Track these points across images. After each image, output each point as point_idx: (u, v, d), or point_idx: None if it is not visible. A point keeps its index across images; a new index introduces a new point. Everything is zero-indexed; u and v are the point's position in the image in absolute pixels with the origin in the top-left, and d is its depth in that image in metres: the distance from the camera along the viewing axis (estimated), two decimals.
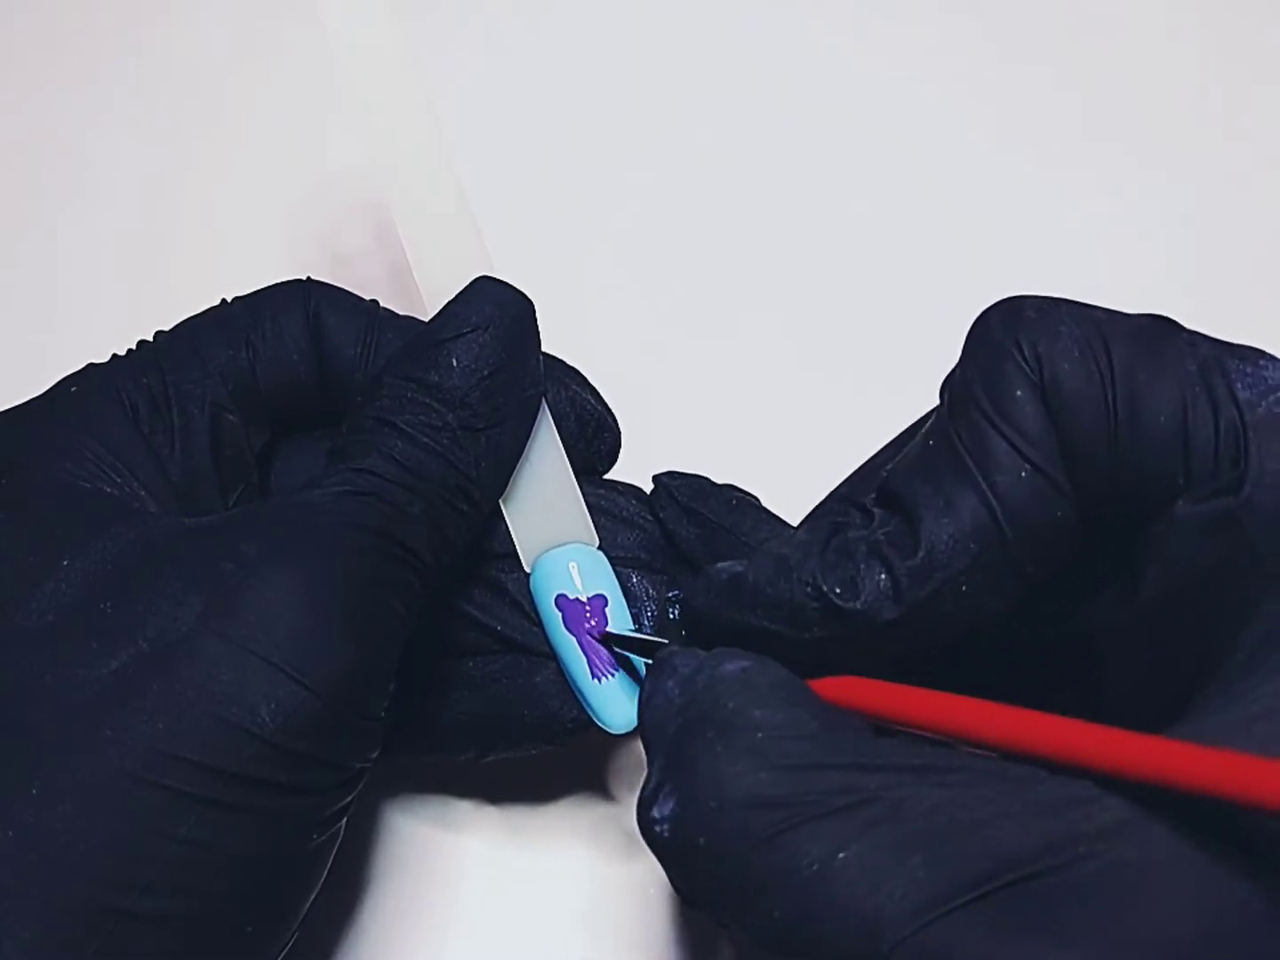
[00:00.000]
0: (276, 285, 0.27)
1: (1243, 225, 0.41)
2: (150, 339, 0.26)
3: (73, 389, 0.25)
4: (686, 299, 0.39)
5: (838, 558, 0.21)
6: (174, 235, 0.41)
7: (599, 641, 0.25)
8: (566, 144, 0.43)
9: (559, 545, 0.26)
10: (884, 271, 0.40)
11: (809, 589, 0.21)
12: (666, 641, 0.24)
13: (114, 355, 0.25)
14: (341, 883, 0.28)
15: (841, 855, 0.16)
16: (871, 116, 0.44)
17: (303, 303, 0.26)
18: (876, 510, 0.21)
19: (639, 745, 0.29)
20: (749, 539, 0.26)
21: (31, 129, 0.43)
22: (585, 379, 0.28)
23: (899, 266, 0.40)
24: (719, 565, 0.23)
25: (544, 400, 0.26)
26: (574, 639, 0.25)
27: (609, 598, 0.26)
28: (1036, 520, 0.20)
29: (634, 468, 0.29)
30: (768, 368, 0.38)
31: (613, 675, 0.25)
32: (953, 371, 0.22)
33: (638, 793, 0.19)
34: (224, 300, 0.26)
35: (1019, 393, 0.20)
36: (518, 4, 0.47)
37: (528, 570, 0.26)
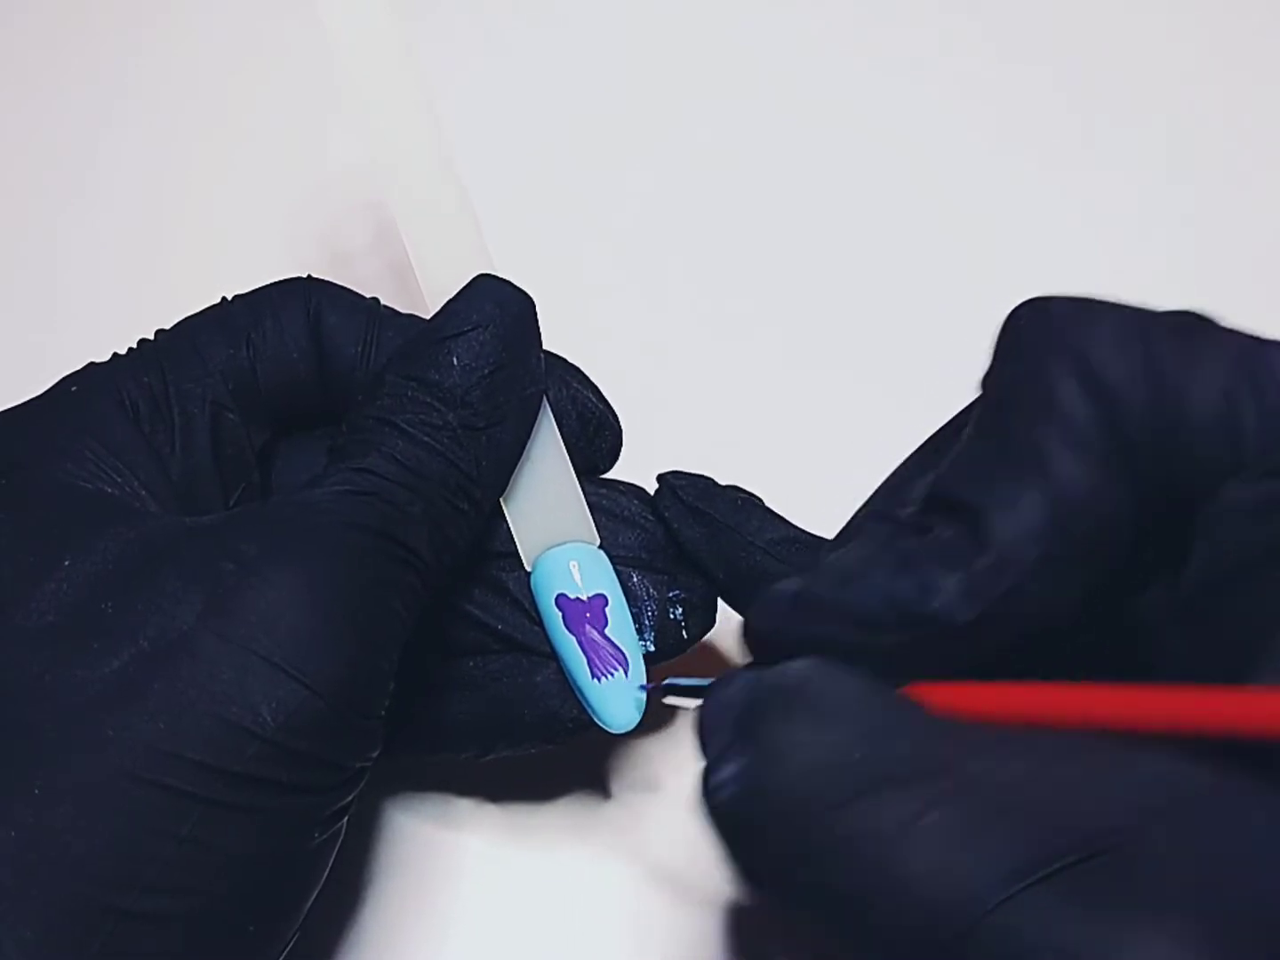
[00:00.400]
0: (276, 283, 0.27)
1: (1243, 225, 0.41)
2: (150, 338, 0.26)
3: (73, 388, 0.25)
4: (688, 297, 0.39)
5: (905, 562, 0.20)
6: (174, 234, 0.41)
7: (651, 693, 0.25)
8: (567, 142, 0.43)
9: (560, 544, 0.26)
10: (884, 270, 0.40)
11: (879, 596, 0.20)
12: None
13: (114, 354, 0.25)
14: (342, 882, 0.27)
15: (922, 821, 0.16)
16: (872, 115, 0.44)
17: (303, 301, 0.26)
18: (932, 515, 0.21)
19: (640, 744, 0.30)
20: (755, 539, 0.26)
21: (30, 128, 0.43)
22: (587, 377, 0.28)
23: (899, 265, 0.40)
24: (776, 586, 0.22)
25: (545, 399, 0.26)
26: (574, 638, 0.25)
27: (609, 597, 0.26)
28: (1097, 512, 0.20)
29: (636, 467, 0.29)
30: (769, 366, 0.37)
31: (613, 674, 0.25)
32: (989, 372, 0.22)
33: (699, 770, 0.19)
34: (224, 299, 0.26)
35: (1066, 387, 0.20)
36: (519, 3, 0.47)
37: (528, 569, 0.26)
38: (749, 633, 0.23)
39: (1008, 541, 0.20)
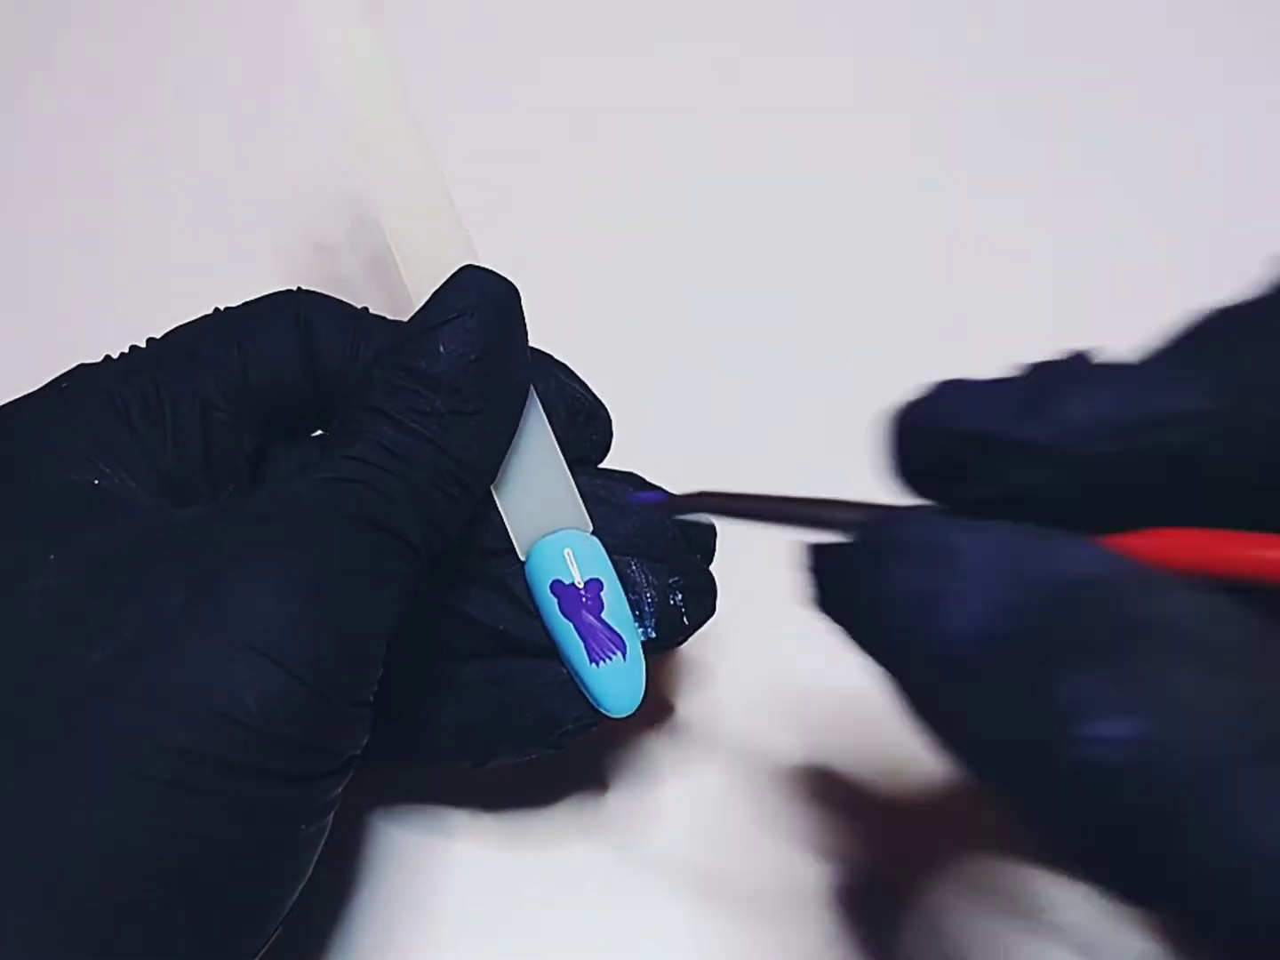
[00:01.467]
0: (267, 295, 0.27)
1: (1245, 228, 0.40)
2: (142, 345, 0.26)
3: (64, 385, 0.25)
4: (675, 290, 0.39)
5: (1131, 369, 0.17)
6: (156, 234, 0.41)
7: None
8: (551, 135, 0.43)
9: (553, 532, 0.26)
10: (881, 267, 0.40)
11: (1100, 395, 0.16)
12: (778, 497, 0.19)
13: (106, 356, 0.25)
14: (336, 890, 0.27)
15: None
16: (874, 115, 0.44)
17: (294, 309, 0.26)
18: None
19: (637, 753, 0.29)
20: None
21: (16, 132, 0.44)
22: (573, 372, 0.28)
23: (898, 264, 0.40)
24: (947, 380, 0.18)
25: (533, 388, 0.26)
26: (571, 624, 0.25)
27: (605, 582, 0.26)
28: None
29: (628, 459, 0.28)
30: (759, 358, 0.37)
31: (611, 659, 0.25)
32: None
33: (1056, 712, 0.15)
34: (216, 309, 0.27)
35: None
36: None
37: (522, 558, 0.26)
38: (895, 426, 0.18)
39: (1261, 369, 0.16)
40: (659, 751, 0.29)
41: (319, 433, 0.28)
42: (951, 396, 0.18)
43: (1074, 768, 0.15)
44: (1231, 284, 0.18)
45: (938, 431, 0.18)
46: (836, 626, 0.17)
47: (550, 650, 0.26)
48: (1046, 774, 0.15)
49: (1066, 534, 0.16)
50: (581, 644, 0.25)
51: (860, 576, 0.17)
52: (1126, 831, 0.15)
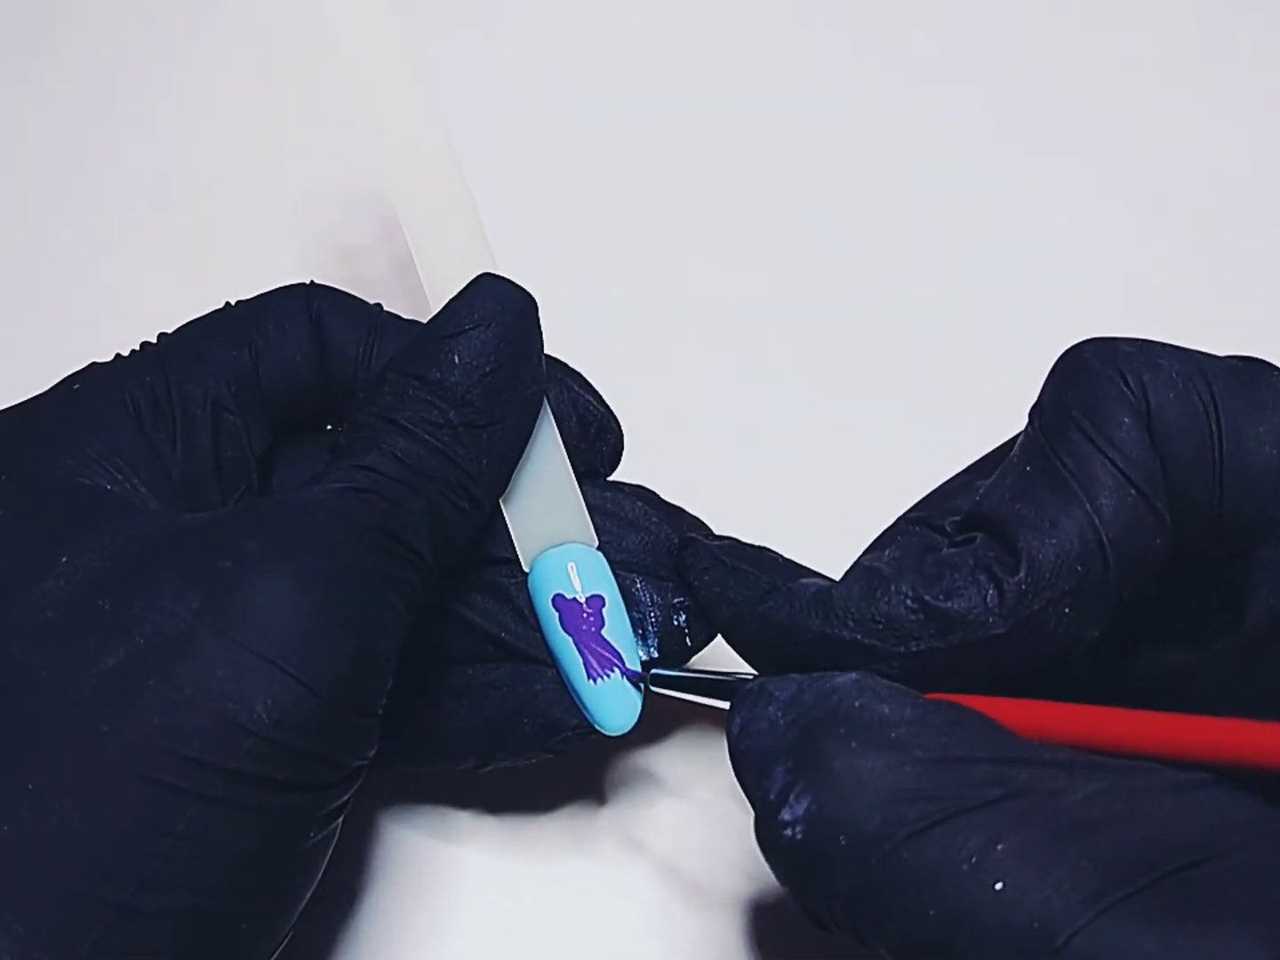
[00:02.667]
0: (280, 288, 0.27)
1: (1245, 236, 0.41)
2: (154, 341, 0.26)
3: (75, 386, 0.25)
4: (692, 300, 0.39)
5: (939, 570, 0.20)
6: (178, 232, 0.41)
7: (636, 683, 0.25)
8: (572, 142, 0.43)
9: (558, 545, 0.26)
10: (891, 274, 0.40)
11: (909, 600, 0.20)
12: (724, 677, 0.23)
13: (117, 355, 0.25)
14: (341, 892, 0.27)
15: (1000, 846, 0.16)
16: (881, 117, 0.44)
17: (305, 305, 0.26)
18: (971, 530, 0.21)
19: (640, 755, 0.30)
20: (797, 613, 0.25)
21: (33, 129, 0.43)
22: (587, 381, 0.28)
23: (905, 268, 0.40)
24: (801, 581, 0.22)
25: (545, 400, 0.26)
26: (571, 639, 0.25)
27: (607, 599, 0.26)
28: (1137, 545, 0.20)
29: (637, 471, 0.29)
30: (773, 371, 0.37)
31: (609, 676, 0.25)
32: (1040, 401, 0.22)
33: (763, 800, 0.18)
34: (227, 303, 0.26)
35: (1125, 420, 0.20)
36: (522, 3, 0.47)
37: (526, 569, 0.26)
38: (765, 627, 0.22)
39: (1044, 563, 0.20)
40: (658, 764, 0.30)
41: (326, 436, 0.28)
42: (796, 607, 0.22)
43: (774, 847, 0.18)
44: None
45: (795, 638, 0.22)
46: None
47: (551, 661, 0.26)
48: (769, 855, 0.19)
49: (846, 673, 0.20)
50: (580, 660, 0.25)
51: (730, 718, 0.21)
52: (822, 898, 0.18)
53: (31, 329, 0.38)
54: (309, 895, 0.22)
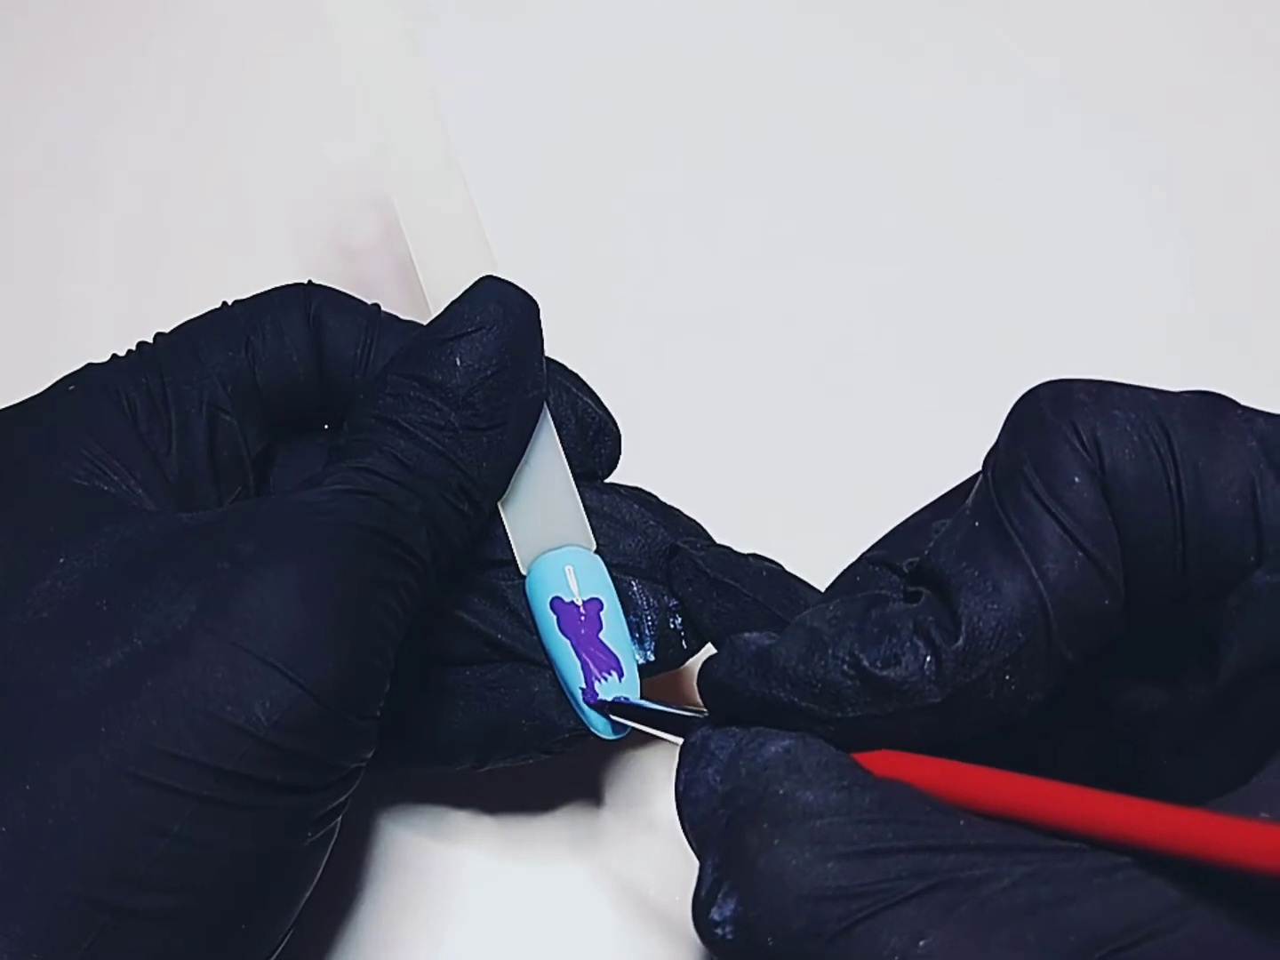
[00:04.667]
0: (277, 288, 0.27)
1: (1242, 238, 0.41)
2: (150, 341, 0.26)
3: (71, 388, 0.24)
4: (691, 304, 0.39)
5: (879, 632, 0.20)
6: (180, 233, 0.40)
7: (602, 710, 0.25)
8: (573, 145, 0.43)
9: (556, 548, 0.26)
10: (891, 276, 0.40)
11: (845, 665, 0.20)
12: (685, 713, 0.23)
13: (113, 355, 0.25)
14: (338, 892, 0.27)
15: (923, 943, 0.16)
16: (882, 119, 0.44)
17: (303, 305, 0.26)
18: (919, 589, 0.21)
19: (637, 756, 0.30)
20: (785, 615, 0.25)
21: (34, 128, 0.43)
22: (586, 384, 0.28)
23: (906, 270, 0.40)
24: (745, 636, 0.21)
25: (545, 403, 0.26)
26: (568, 642, 0.25)
27: (604, 602, 0.26)
28: (1084, 609, 0.19)
29: (635, 474, 0.29)
30: (772, 375, 0.37)
31: (606, 680, 0.25)
32: (996, 448, 0.21)
33: (692, 892, 0.18)
34: (224, 303, 0.26)
35: (1076, 479, 0.19)
36: (524, 6, 0.47)
37: (524, 572, 0.26)
38: (707, 681, 0.22)
39: (984, 630, 0.19)
40: (655, 765, 0.30)
41: (325, 427, 0.27)
42: (738, 663, 0.21)
43: (709, 942, 0.18)
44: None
45: (736, 695, 0.21)
46: None
47: (548, 664, 0.26)
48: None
49: (781, 735, 0.20)
50: (577, 663, 0.25)
51: (677, 770, 0.21)
52: None
53: (29, 329, 0.38)
54: (307, 896, 0.22)
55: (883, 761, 0.19)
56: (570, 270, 0.38)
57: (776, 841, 0.17)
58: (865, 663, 0.19)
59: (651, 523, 0.27)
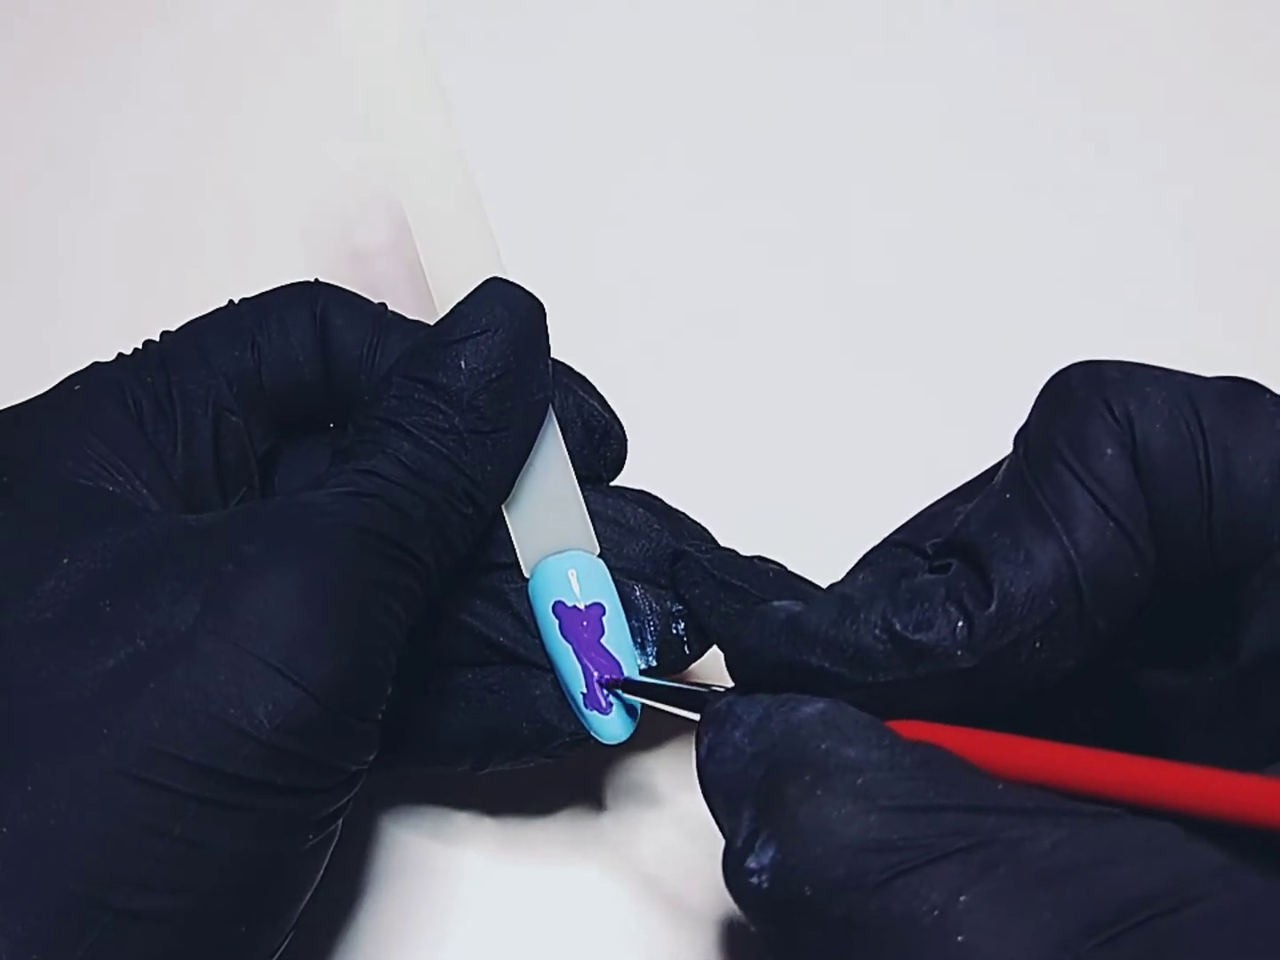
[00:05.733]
0: (283, 286, 0.27)
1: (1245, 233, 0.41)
2: (156, 340, 0.26)
3: (76, 387, 0.25)
4: (699, 307, 0.39)
5: (912, 599, 0.20)
6: (187, 233, 0.40)
7: (613, 689, 0.25)
8: (579, 147, 0.43)
9: (559, 552, 0.26)
10: (898, 279, 0.40)
11: (878, 629, 0.20)
12: (694, 687, 0.23)
13: (119, 354, 0.25)
14: (338, 894, 0.27)
15: (963, 899, 0.16)
16: (884, 123, 0.44)
17: (309, 304, 0.26)
18: (947, 557, 0.21)
19: (637, 758, 0.30)
20: None
21: (42, 129, 0.43)
22: (592, 386, 0.28)
23: (912, 273, 0.40)
24: (774, 604, 0.22)
25: (550, 406, 0.26)
26: (570, 647, 0.25)
27: (607, 607, 0.26)
28: (1114, 579, 0.19)
29: (640, 477, 0.29)
30: (778, 378, 0.37)
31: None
32: (1027, 425, 0.21)
33: (730, 845, 0.18)
34: (231, 301, 0.26)
35: (1108, 451, 0.20)
36: (532, 10, 0.47)
37: (527, 575, 0.26)
38: (735, 650, 0.22)
39: (1016, 597, 0.19)
40: (654, 769, 0.30)
41: (328, 437, 0.27)
42: (768, 630, 0.21)
43: (741, 893, 0.18)
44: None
45: (765, 662, 0.21)
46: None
47: (549, 667, 0.26)
48: (738, 900, 0.18)
49: (813, 699, 0.20)
50: (579, 667, 0.25)
51: (698, 737, 0.21)
52: (790, 948, 0.17)
53: (39, 329, 0.38)
54: (307, 898, 0.22)
55: (913, 730, 0.19)
56: (576, 272, 0.38)
57: (819, 792, 0.18)
58: (898, 626, 0.20)
59: (655, 527, 0.27)
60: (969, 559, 0.20)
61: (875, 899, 0.16)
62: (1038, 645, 0.19)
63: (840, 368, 0.37)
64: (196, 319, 0.26)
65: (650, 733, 0.30)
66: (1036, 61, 0.45)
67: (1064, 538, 0.19)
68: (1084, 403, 0.20)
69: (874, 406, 0.37)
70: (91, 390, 0.24)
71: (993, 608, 0.19)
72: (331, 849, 0.23)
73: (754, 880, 0.18)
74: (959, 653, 0.19)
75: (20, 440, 0.23)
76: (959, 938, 0.16)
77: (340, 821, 0.23)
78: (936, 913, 0.16)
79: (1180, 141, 0.43)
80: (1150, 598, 0.20)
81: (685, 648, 0.26)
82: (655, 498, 0.28)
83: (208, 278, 0.37)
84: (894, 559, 0.23)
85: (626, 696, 0.25)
